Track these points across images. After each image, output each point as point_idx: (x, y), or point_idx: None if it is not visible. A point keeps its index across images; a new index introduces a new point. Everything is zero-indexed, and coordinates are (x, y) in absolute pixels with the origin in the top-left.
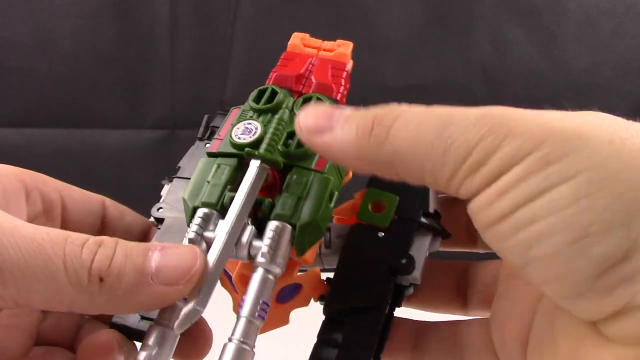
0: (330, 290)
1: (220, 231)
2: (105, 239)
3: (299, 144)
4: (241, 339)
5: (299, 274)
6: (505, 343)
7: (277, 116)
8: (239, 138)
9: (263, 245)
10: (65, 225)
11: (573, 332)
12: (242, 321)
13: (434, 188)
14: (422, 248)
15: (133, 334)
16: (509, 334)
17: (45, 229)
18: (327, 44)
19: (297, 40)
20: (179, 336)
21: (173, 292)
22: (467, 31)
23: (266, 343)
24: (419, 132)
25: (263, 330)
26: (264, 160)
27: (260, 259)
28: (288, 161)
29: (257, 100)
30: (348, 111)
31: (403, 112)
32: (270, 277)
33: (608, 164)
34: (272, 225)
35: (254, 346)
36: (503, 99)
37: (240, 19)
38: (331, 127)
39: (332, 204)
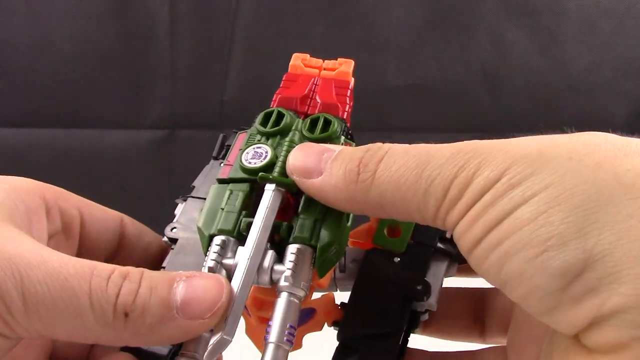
0: (345, 316)
1: (242, 258)
2: (130, 270)
3: None
4: None
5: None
6: None
7: (287, 138)
8: (250, 163)
9: (285, 269)
10: (82, 242)
11: (562, 347)
12: (271, 347)
13: (423, 224)
14: (438, 274)
15: (146, 357)
16: (525, 358)
17: (72, 261)
18: (328, 63)
19: (298, 61)
20: None
21: (198, 326)
22: (467, 31)
23: None
24: (401, 175)
25: None
26: (279, 183)
27: (283, 283)
28: None
29: (264, 123)
30: (336, 151)
31: (386, 154)
32: (295, 300)
33: (566, 180)
34: (292, 248)
35: None
36: (503, 99)
37: (240, 19)
38: (320, 170)
39: (349, 223)
